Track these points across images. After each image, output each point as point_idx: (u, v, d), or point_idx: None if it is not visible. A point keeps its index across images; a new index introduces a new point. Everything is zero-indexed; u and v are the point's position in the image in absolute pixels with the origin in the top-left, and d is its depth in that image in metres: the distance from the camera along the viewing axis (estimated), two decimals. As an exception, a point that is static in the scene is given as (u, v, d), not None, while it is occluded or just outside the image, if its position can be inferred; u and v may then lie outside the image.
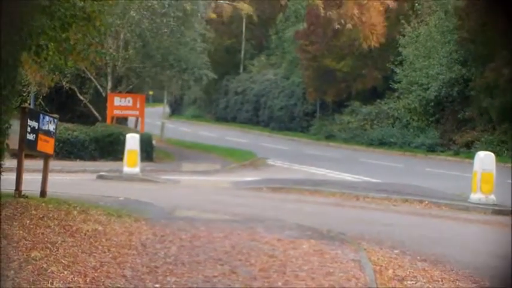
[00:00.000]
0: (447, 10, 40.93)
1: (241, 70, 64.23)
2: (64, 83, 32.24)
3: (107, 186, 21.40)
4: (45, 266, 8.71)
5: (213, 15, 15.99)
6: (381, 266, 10.83)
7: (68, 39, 13.17)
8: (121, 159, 24.92)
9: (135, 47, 32.82)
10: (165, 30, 33.56)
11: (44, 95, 30.74)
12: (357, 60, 47.40)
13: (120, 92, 34.88)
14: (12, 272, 8.14)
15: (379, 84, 47.73)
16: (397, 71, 44.26)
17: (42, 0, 11.82)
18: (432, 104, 42.27)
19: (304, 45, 49.04)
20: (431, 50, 42.19)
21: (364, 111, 47.17)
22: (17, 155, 14.41)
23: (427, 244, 13.02)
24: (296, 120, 54.43)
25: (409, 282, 10.06)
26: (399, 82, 44.39)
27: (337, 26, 42.42)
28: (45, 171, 15.30)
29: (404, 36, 43.74)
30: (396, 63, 44.81)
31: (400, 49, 43.91)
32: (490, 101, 37.12)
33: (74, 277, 8.63)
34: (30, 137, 14.48)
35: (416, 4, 44.48)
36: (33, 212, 11.98)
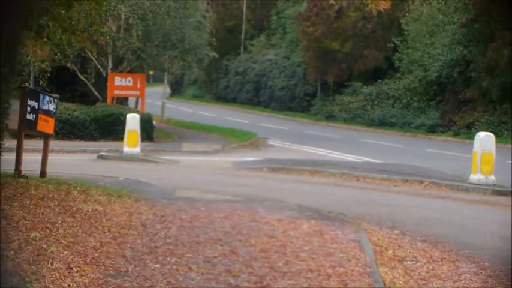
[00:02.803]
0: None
1: (241, 50, 64.08)
2: (66, 62, 32.19)
3: (107, 166, 21.41)
4: (45, 246, 8.71)
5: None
6: (381, 246, 10.84)
7: (71, 18, 13.12)
8: (121, 139, 24.92)
9: (136, 28, 32.72)
10: (167, 11, 33.44)
11: (44, 74, 30.69)
12: (358, 41, 47.32)
13: (120, 72, 34.81)
14: (12, 252, 8.14)
15: (381, 64, 47.66)
16: (399, 49, 44.15)
17: None
18: (433, 84, 42.22)
19: (306, 26, 48.93)
20: (434, 29, 42.07)
21: (364, 91, 47.11)
22: (16, 135, 14.39)
23: (427, 224, 13.03)
24: (296, 100, 54.36)
25: (409, 262, 10.08)
26: (401, 61, 44.33)
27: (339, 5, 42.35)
28: (45, 152, 15.28)
29: (408, 12, 43.53)
30: (398, 43, 44.74)
31: (403, 26, 43.76)
32: (490, 81, 37.07)
33: (73, 257, 8.64)
34: (30, 117, 14.45)
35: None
36: (33, 192, 11.98)
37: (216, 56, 41.13)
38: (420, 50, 42.65)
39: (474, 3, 37.77)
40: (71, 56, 31.90)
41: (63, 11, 12.67)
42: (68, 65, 32.75)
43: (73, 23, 13.12)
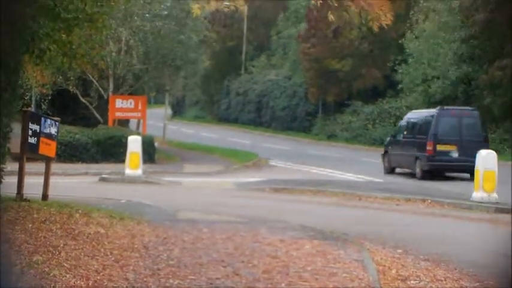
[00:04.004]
0: (451, 8, 40.86)
1: (242, 71, 64.24)
2: (67, 86, 32.27)
3: (109, 188, 21.39)
4: (47, 269, 8.70)
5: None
6: (384, 266, 10.81)
7: (71, 42, 13.18)
8: (123, 161, 24.92)
9: (138, 51, 32.84)
10: (167, 33, 33.60)
11: (46, 98, 30.77)
12: (357, 60, 47.48)
13: (121, 94, 34.87)
14: (14, 276, 8.13)
15: (380, 83, 47.78)
16: (399, 70, 44.25)
17: (46, 0, 11.81)
18: (435, 102, 42.21)
19: (306, 48, 49.15)
20: (435, 47, 42.16)
21: (365, 110, 47.18)
22: (18, 158, 14.41)
23: (430, 243, 13.00)
24: (298, 120, 54.44)
25: (412, 281, 10.04)
26: (401, 81, 44.41)
27: (337, 25, 42.50)
28: (46, 175, 15.29)
29: (411, 30, 43.61)
30: (397, 62, 44.85)
31: (404, 44, 43.82)
32: (492, 99, 37.11)
33: (76, 281, 8.61)
34: (32, 140, 14.48)
35: (421, 1, 44.33)
36: (35, 215, 11.97)
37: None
38: (422, 68, 42.70)
39: (474, 21, 37.89)
40: (72, 79, 31.99)
41: (64, 36, 12.72)
42: (70, 88, 32.84)
43: (74, 47, 13.16)
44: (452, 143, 27.09)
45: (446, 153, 27.03)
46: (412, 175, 27.86)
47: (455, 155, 27.03)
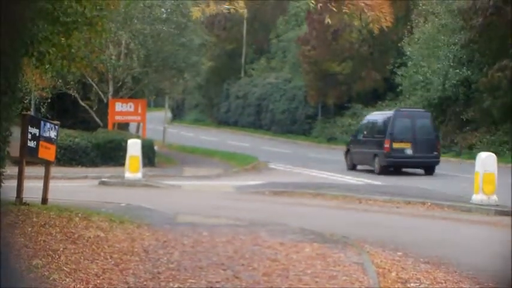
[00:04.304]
0: (450, 10, 40.86)
1: (242, 74, 64.26)
2: (67, 89, 32.27)
3: (109, 192, 21.39)
4: (47, 273, 8.69)
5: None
6: (384, 268, 10.80)
7: (71, 46, 13.18)
8: (123, 165, 24.91)
9: (137, 53, 32.84)
10: (166, 36, 33.62)
11: (45, 101, 30.76)
12: (357, 63, 47.50)
13: (121, 98, 34.87)
14: (13, 280, 8.11)
15: (379, 86, 47.80)
16: (399, 73, 44.27)
17: (45, 3, 11.82)
18: (434, 105, 42.24)
19: (306, 50, 49.19)
20: (435, 50, 42.16)
21: (365, 113, 47.11)
22: (18, 162, 14.41)
23: (430, 246, 13.00)
24: (298, 123, 54.44)
25: (412, 284, 10.04)
26: (400, 84, 44.42)
27: (337, 27, 42.60)
28: (46, 178, 15.29)
29: (411, 33, 43.60)
30: (397, 65, 44.87)
31: (404, 47, 43.82)
32: (492, 102, 37.12)
33: (76, 284, 8.61)
34: (31, 144, 14.48)
35: (421, 4, 44.31)
36: (35, 219, 11.97)
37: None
38: (422, 71, 42.70)
39: (472, 25, 37.91)
40: (72, 83, 31.99)
41: (63, 39, 12.73)
42: (70, 92, 32.83)
43: (73, 50, 13.17)
44: (407, 141, 29.91)
45: (402, 150, 29.93)
46: (371, 171, 30.24)
47: (409, 152, 29.99)
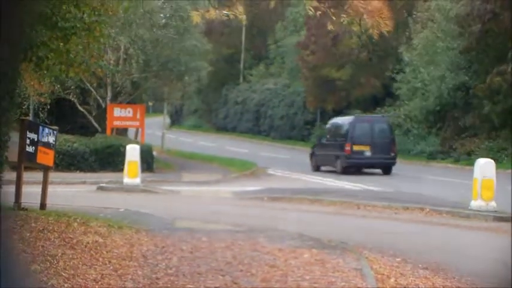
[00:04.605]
0: (448, 17, 40.91)
1: (240, 80, 64.29)
2: (66, 94, 32.25)
3: (107, 197, 21.37)
4: (45, 279, 8.67)
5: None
6: (383, 274, 10.79)
7: (69, 51, 13.17)
8: (121, 170, 24.89)
9: (137, 58, 32.83)
10: (166, 41, 33.63)
11: (44, 106, 30.73)
12: (356, 69, 47.52)
13: (120, 103, 34.86)
14: (12, 285, 8.10)
15: (378, 92, 47.81)
16: (397, 79, 44.30)
17: (44, 8, 11.81)
18: (433, 111, 42.27)
19: (305, 55, 49.23)
20: (433, 57, 42.19)
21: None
22: (16, 167, 14.38)
23: (429, 252, 12.99)
24: (296, 129, 54.45)
25: (411, 290, 10.03)
26: (399, 89, 44.45)
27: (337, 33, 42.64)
28: (44, 183, 15.27)
29: (410, 39, 43.63)
30: (396, 71, 44.88)
31: (403, 53, 43.85)
32: (492, 107, 37.13)
33: (74, 290, 8.59)
34: (30, 149, 14.46)
35: (416, 12, 44.33)
36: (33, 224, 11.95)
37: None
38: (420, 77, 42.73)
39: (471, 30, 37.96)
40: (73, 88, 31.97)
41: (61, 44, 12.72)
42: (70, 97, 32.83)
43: (71, 55, 13.16)
44: (366, 144, 32.95)
45: (361, 152, 32.93)
46: (334, 172, 33.04)
47: (368, 154, 33.00)
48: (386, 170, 32.90)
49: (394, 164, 33.14)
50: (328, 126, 36.93)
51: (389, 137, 33.69)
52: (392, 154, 33.21)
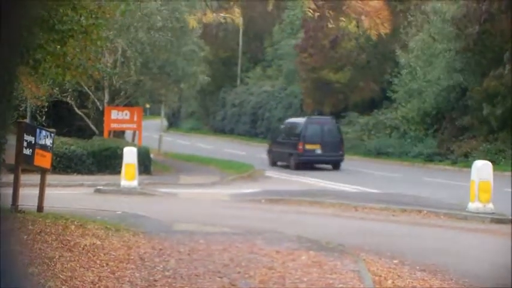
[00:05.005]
0: (444, 19, 40.93)
1: (238, 82, 64.30)
2: (63, 97, 32.22)
3: (105, 200, 21.36)
4: (42, 281, 8.66)
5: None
6: (380, 276, 10.79)
7: (66, 54, 13.15)
8: (118, 172, 24.87)
9: (135, 61, 32.81)
10: (164, 44, 33.61)
11: (41, 109, 30.70)
12: (354, 72, 47.53)
13: (117, 105, 34.84)
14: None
15: (377, 95, 47.81)
16: (395, 81, 44.33)
17: (41, 10, 11.80)
18: (430, 113, 42.29)
19: (303, 57, 49.23)
20: (430, 58, 42.20)
21: (361, 121, 47.19)
22: (13, 169, 14.37)
23: (426, 254, 12.99)
24: (294, 131, 54.41)
25: (408, 292, 10.03)
26: (396, 92, 44.49)
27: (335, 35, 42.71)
28: (42, 186, 15.26)
29: (406, 42, 43.65)
30: (394, 74, 44.89)
31: (398, 55, 43.87)
32: (490, 109, 37.15)
33: (71, 292, 8.59)
34: (27, 151, 14.45)
35: (411, 15, 44.32)
36: (30, 227, 11.94)
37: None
38: (417, 79, 42.75)
39: (467, 32, 37.98)
40: (70, 90, 31.94)
41: (58, 47, 12.70)
42: (68, 99, 32.80)
43: (68, 58, 13.14)
44: (316, 143, 36.74)
45: (313, 150, 36.71)
46: (288, 167, 36.46)
47: (319, 151, 36.82)
48: (336, 166, 36.80)
49: (342, 160, 37.00)
50: (283, 126, 40.74)
51: (338, 137, 37.52)
52: (341, 152, 37.09)
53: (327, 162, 37.12)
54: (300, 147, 36.47)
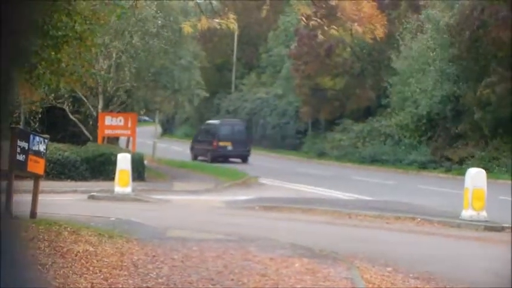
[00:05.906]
0: (438, 27, 41.02)
1: (232, 89, 64.29)
2: (57, 103, 32.17)
3: (98, 206, 21.32)
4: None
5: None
6: (374, 284, 10.79)
7: (60, 60, 13.13)
8: (112, 179, 24.83)
9: (129, 66, 32.78)
10: (158, 51, 33.61)
11: (35, 115, 30.66)
12: (350, 79, 47.58)
13: (111, 111, 34.79)
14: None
15: (373, 103, 47.85)
16: (389, 88, 44.40)
17: (35, 16, 11.77)
18: (424, 120, 42.35)
19: (298, 64, 49.25)
20: (423, 66, 42.27)
21: (355, 128, 47.22)
22: (6, 175, 14.33)
23: (420, 261, 12.99)
24: (288, 138, 54.44)
25: (402, 300, 10.02)
26: (388, 98, 44.57)
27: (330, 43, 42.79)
28: (35, 192, 15.22)
29: (398, 50, 43.73)
30: (389, 81, 44.93)
31: (393, 64, 43.94)
32: (482, 116, 37.21)
33: (64, 299, 8.56)
34: (20, 157, 14.42)
35: (405, 22, 44.38)
36: (23, 233, 11.89)
37: (207, 95, 42.75)
38: (411, 87, 42.80)
39: (461, 40, 38.06)
40: (66, 96, 31.89)
41: (52, 53, 12.68)
42: (63, 106, 32.75)
43: (62, 64, 13.12)
44: (228, 141, 45.49)
45: (225, 147, 45.41)
46: (206, 160, 44.40)
47: (230, 148, 45.49)
48: (244, 159, 44.77)
49: (249, 155, 45.35)
50: (202, 127, 50.42)
51: (245, 136, 46.79)
52: (248, 148, 45.77)
53: (236, 157, 44.96)
54: (215, 144, 45.29)
